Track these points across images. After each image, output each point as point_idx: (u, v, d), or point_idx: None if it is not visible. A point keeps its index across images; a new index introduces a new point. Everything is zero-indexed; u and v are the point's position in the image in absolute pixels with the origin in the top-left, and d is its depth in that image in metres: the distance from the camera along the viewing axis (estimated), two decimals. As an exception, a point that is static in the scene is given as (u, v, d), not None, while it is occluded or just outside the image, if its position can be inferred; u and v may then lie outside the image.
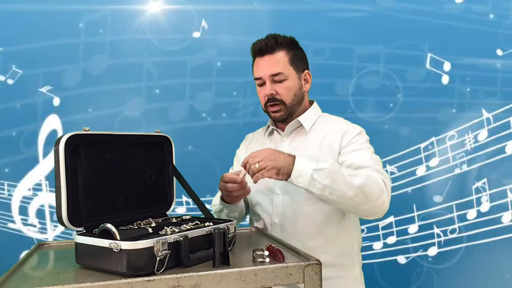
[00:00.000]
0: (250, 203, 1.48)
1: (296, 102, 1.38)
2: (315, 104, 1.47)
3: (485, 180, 2.05)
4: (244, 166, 1.19)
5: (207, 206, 1.25)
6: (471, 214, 2.05)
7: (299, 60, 1.39)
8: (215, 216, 1.42)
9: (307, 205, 1.32)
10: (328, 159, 1.23)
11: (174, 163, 1.22)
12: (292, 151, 1.36)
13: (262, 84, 1.38)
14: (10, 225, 2.00)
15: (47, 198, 2.01)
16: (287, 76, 1.35)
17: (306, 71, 1.42)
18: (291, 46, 1.38)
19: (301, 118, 1.41)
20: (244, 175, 1.23)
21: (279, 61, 1.35)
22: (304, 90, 1.41)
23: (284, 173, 1.16)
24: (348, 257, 1.37)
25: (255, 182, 1.18)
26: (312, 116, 1.43)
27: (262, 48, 1.35)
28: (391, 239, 2.07)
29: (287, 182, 1.18)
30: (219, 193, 1.40)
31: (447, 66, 2.07)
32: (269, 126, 1.50)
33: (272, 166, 1.15)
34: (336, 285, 1.33)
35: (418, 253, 2.06)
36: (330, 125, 1.41)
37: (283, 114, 1.38)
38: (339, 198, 1.16)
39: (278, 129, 1.47)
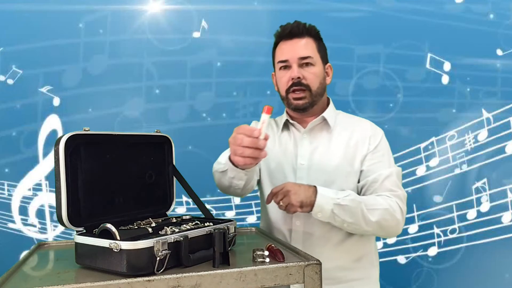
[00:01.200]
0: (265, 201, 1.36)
1: (320, 92, 1.33)
2: (331, 103, 1.41)
3: (485, 180, 2.05)
4: (271, 199, 1.21)
5: (207, 206, 1.24)
6: (471, 214, 2.05)
7: (323, 51, 1.36)
8: (215, 179, 1.28)
9: (332, 232, 1.29)
10: (348, 190, 1.23)
11: (174, 163, 1.22)
12: (313, 151, 1.34)
13: (287, 67, 1.31)
14: (10, 225, 2.00)
15: (47, 198, 2.01)
16: (315, 62, 1.31)
17: (328, 64, 1.38)
18: (318, 36, 1.35)
19: (325, 114, 1.34)
20: (265, 138, 1.02)
21: (308, 45, 1.31)
22: (326, 83, 1.37)
23: (307, 205, 1.17)
24: (368, 259, 1.35)
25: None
26: (333, 113, 1.38)
27: (293, 31, 1.31)
28: (391, 239, 2.07)
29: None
30: (226, 152, 1.25)
31: (447, 66, 2.07)
32: (284, 120, 1.39)
33: (295, 202, 1.15)
34: (360, 287, 1.32)
35: (418, 253, 2.06)
36: (353, 124, 1.37)
37: (307, 102, 1.30)
38: (355, 230, 1.22)
39: (296, 124, 1.37)
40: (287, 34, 1.32)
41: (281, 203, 1.17)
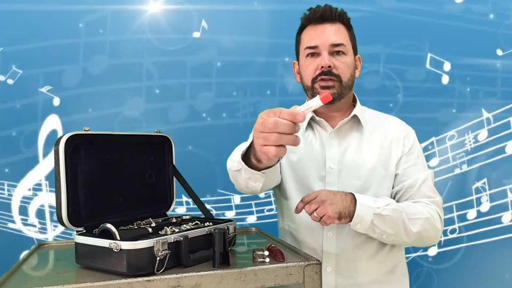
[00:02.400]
0: (290, 211, 1.24)
1: (350, 85, 1.21)
2: (357, 100, 1.29)
3: (485, 180, 2.05)
4: (303, 206, 1.07)
5: (207, 206, 1.24)
6: (471, 214, 2.05)
7: (354, 41, 1.25)
8: (230, 177, 1.11)
9: (367, 243, 1.18)
10: (388, 198, 1.13)
11: (174, 163, 1.22)
12: (343, 153, 1.21)
13: (315, 54, 1.18)
14: (10, 225, 2.00)
15: (47, 198, 2.01)
16: (347, 51, 1.19)
17: (358, 55, 1.26)
18: (349, 24, 1.23)
19: (356, 112, 1.22)
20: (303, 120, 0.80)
21: (341, 32, 1.19)
22: (356, 76, 1.25)
23: (346, 216, 1.05)
24: (399, 268, 1.26)
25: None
26: (362, 110, 1.26)
27: (325, 14, 1.17)
28: (391, 239, 2.07)
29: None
30: (240, 147, 1.07)
31: (447, 66, 2.07)
32: (309, 117, 1.24)
33: (333, 212, 1.03)
34: None
35: (418, 253, 2.06)
36: (384, 123, 1.27)
37: (336, 92, 1.17)
38: (394, 241, 1.12)
39: (322, 121, 1.23)
40: (317, 17, 1.18)
41: (315, 214, 1.04)
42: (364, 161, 1.20)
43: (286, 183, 1.26)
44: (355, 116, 1.23)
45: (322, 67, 1.16)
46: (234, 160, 1.03)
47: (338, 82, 1.17)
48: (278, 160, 0.99)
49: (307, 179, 1.22)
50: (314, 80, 1.18)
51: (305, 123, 1.25)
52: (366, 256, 1.19)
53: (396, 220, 1.08)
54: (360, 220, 1.06)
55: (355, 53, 1.25)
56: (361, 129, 1.23)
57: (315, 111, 1.23)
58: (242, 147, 1.02)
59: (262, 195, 1.50)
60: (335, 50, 1.17)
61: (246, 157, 0.96)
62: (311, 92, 1.20)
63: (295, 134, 0.80)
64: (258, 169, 0.95)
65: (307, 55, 1.20)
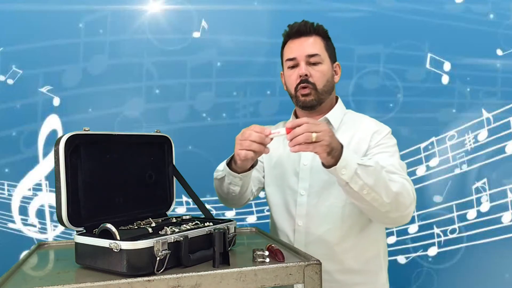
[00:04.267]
0: (270, 203, 1.42)
1: (327, 90, 1.33)
2: (340, 101, 1.42)
3: (485, 180, 2.05)
4: (293, 127, 1.04)
5: (207, 206, 1.24)
6: (471, 214, 2.05)
7: (332, 50, 1.37)
8: (215, 187, 1.34)
9: (334, 207, 1.28)
10: (370, 158, 1.18)
11: (174, 163, 1.22)
12: None
13: (295, 66, 1.33)
14: (10, 225, 2.00)
15: (47, 198, 2.01)
16: (323, 60, 1.32)
17: (337, 63, 1.39)
18: (326, 35, 1.36)
19: (329, 115, 1.35)
20: (272, 139, 1.11)
21: (316, 43, 1.32)
22: (334, 81, 1.38)
23: (333, 156, 1.06)
24: (374, 262, 1.33)
25: (295, 151, 1.05)
26: (339, 113, 1.38)
27: (300, 29, 1.32)
28: (391, 239, 2.07)
29: (328, 170, 1.09)
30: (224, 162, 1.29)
31: (447, 66, 2.07)
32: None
33: (328, 143, 1.03)
34: None
35: (418, 253, 2.06)
36: (358, 123, 1.35)
37: (313, 99, 1.30)
38: (374, 201, 1.10)
39: None
40: (294, 32, 1.33)
41: (313, 135, 1.02)
42: None
43: (267, 181, 1.43)
44: (327, 119, 1.35)
45: (300, 76, 1.30)
46: (219, 170, 1.30)
47: (314, 89, 1.30)
48: (251, 169, 1.23)
49: (284, 175, 1.36)
50: (296, 89, 1.32)
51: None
52: (332, 243, 1.28)
53: (378, 174, 1.10)
54: (346, 164, 1.06)
55: (334, 61, 1.38)
56: (334, 130, 1.33)
57: (298, 115, 1.40)
58: (222, 163, 1.27)
59: (262, 195, 1.52)
60: (311, 61, 1.31)
61: (229, 166, 1.24)
62: (295, 99, 1.35)
63: (268, 143, 1.11)
64: (238, 173, 1.22)
65: (288, 67, 1.35)
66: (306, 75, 1.29)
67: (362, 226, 1.30)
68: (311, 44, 1.31)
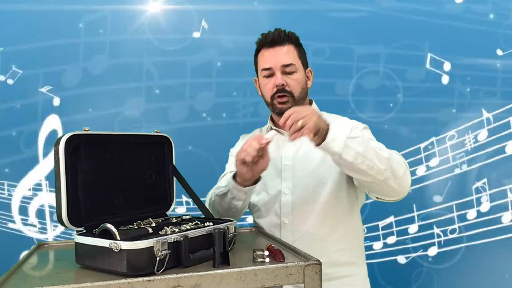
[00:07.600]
0: (255, 204, 1.43)
1: (302, 97, 1.39)
2: (314, 103, 1.48)
3: (485, 180, 2.05)
4: (285, 121, 1.11)
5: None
6: (471, 214, 2.05)
7: (304, 57, 1.42)
8: (215, 204, 1.36)
9: (318, 203, 1.32)
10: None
11: (174, 163, 1.22)
12: (297, 151, 1.39)
13: (270, 75, 1.37)
14: (10, 225, 2.00)
15: (47, 198, 2.01)
16: (297, 69, 1.36)
17: (309, 68, 1.44)
18: (298, 42, 1.40)
19: None
20: (268, 142, 1.19)
21: (289, 52, 1.36)
22: (308, 86, 1.43)
23: (321, 135, 1.11)
24: (357, 254, 1.38)
25: (292, 140, 1.12)
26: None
27: (274, 39, 1.36)
28: (391, 239, 2.07)
29: (319, 148, 1.12)
30: (226, 176, 1.38)
31: (447, 66, 2.07)
32: (269, 127, 1.47)
33: (314, 125, 1.09)
34: (350, 284, 1.33)
35: (418, 253, 2.06)
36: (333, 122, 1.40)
37: (290, 106, 1.34)
38: (370, 169, 1.13)
39: (279, 130, 1.42)
40: (269, 42, 1.36)
41: (299, 123, 1.08)
42: (313, 155, 1.34)
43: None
44: None
45: (277, 85, 1.34)
46: (221, 186, 1.34)
47: (291, 97, 1.35)
48: (256, 182, 1.28)
49: (268, 176, 1.37)
50: (272, 97, 1.37)
51: (264, 133, 1.46)
52: (318, 238, 1.32)
53: (367, 142, 1.15)
54: (334, 138, 1.11)
55: (306, 67, 1.42)
56: None
57: (275, 119, 1.45)
58: (227, 177, 1.33)
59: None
60: (286, 70, 1.35)
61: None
62: (271, 107, 1.40)
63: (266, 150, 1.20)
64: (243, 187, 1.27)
65: (264, 76, 1.38)
66: (283, 84, 1.34)
67: (345, 220, 1.35)
68: (285, 54, 1.35)
